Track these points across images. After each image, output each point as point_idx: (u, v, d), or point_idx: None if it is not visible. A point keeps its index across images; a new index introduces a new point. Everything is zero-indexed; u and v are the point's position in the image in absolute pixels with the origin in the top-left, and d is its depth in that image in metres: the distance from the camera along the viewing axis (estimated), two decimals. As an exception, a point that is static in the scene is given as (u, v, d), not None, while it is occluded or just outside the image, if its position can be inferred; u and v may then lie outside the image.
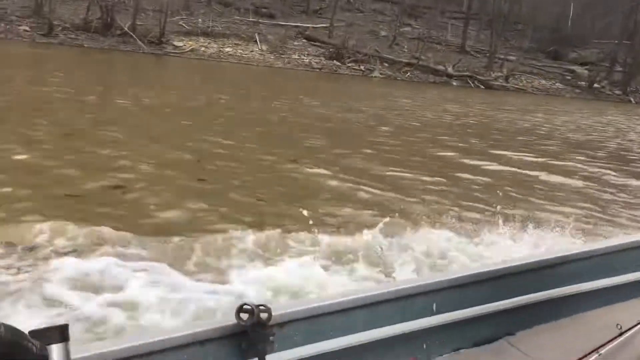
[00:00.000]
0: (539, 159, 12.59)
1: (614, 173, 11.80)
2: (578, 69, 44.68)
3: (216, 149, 9.89)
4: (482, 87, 38.58)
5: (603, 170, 11.96)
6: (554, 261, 2.74)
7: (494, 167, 11.09)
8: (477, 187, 9.11)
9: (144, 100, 14.77)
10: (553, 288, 2.71)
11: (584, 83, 43.65)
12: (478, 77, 39.58)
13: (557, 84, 43.22)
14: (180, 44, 33.16)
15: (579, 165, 12.27)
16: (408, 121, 16.80)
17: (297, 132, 12.88)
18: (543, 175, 10.55)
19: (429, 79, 38.32)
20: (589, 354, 2.19)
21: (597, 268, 2.89)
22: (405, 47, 42.19)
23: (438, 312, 2.41)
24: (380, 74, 37.08)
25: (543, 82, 43.03)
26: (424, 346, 2.38)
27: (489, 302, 2.53)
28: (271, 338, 1.95)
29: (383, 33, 43.18)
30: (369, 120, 16.03)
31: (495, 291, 2.56)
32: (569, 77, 44.10)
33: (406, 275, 4.53)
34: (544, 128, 19.38)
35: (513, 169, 11.11)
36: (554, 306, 2.71)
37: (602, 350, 2.23)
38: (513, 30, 47.66)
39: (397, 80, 36.27)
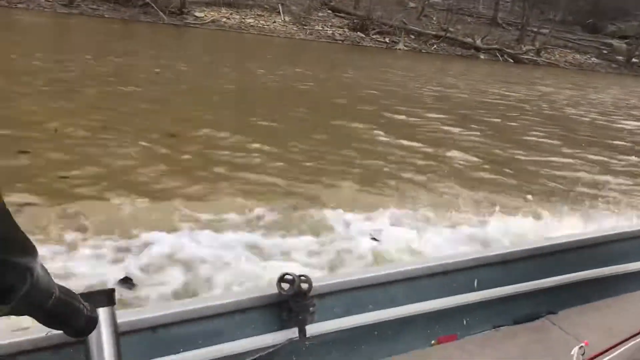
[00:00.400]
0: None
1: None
2: (616, 42, 43.34)
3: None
4: (512, 60, 37.70)
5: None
6: (600, 240, 2.73)
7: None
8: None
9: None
10: (598, 267, 2.70)
11: (621, 58, 42.49)
12: (507, 50, 38.63)
13: (592, 59, 42.19)
14: (201, 14, 33.07)
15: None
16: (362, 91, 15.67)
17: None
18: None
19: (455, 52, 37.53)
20: (635, 335, 2.18)
21: None
22: (434, 18, 41.29)
23: (479, 288, 2.42)
24: (405, 46, 36.42)
25: (577, 56, 41.98)
26: (464, 322, 2.40)
27: (531, 280, 2.53)
28: (311, 309, 2.01)
29: (412, 4, 42.35)
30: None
31: (538, 269, 2.56)
32: (605, 52, 43.00)
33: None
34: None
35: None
36: (599, 285, 2.70)
37: None
38: (548, 1, 46.32)
39: (422, 53, 35.51)
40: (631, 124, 15.53)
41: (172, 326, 1.83)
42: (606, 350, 2.02)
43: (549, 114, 15.54)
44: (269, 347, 1.97)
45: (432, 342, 2.31)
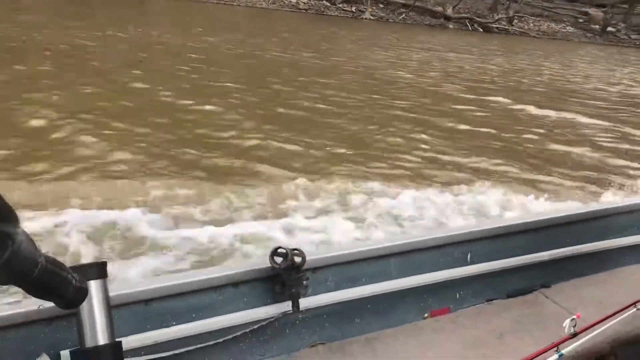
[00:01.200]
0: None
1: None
2: (592, 11, 43.93)
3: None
4: (481, 30, 37.92)
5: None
6: (594, 214, 2.83)
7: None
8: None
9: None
10: (591, 241, 2.80)
11: (597, 27, 43.28)
12: (478, 19, 38.83)
13: (567, 28, 42.82)
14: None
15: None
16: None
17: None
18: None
19: (424, 22, 37.69)
20: (627, 307, 2.28)
21: (638, 223, 2.97)
22: (405, -15, 41.44)
23: (472, 262, 2.50)
24: (372, 15, 36.39)
25: (552, 25, 42.54)
26: (457, 296, 2.48)
27: (524, 254, 2.62)
28: (304, 282, 2.06)
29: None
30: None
31: (531, 243, 2.65)
32: (581, 20, 43.66)
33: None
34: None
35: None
36: (592, 260, 2.80)
37: None
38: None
39: (388, 23, 35.56)
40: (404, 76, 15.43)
41: (165, 299, 1.86)
42: (597, 323, 2.10)
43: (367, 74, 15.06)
44: (262, 320, 2.02)
45: (425, 315, 2.37)
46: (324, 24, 29.88)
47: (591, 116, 11.84)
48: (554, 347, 1.89)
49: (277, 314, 2.04)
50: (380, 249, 2.28)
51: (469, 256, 2.49)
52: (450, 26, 37.86)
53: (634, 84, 19.51)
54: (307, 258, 2.04)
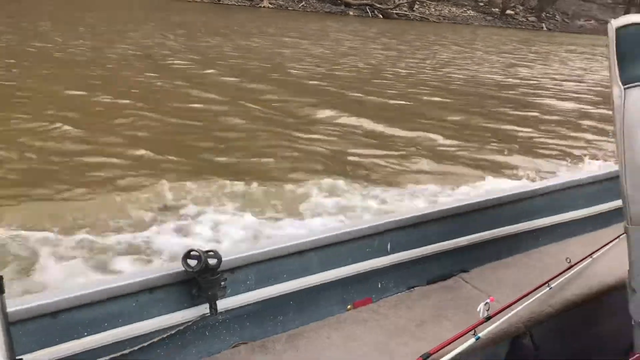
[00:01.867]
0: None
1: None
2: (493, -6, 46.35)
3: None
4: (381, 16, 38.97)
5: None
6: (508, 199, 3.00)
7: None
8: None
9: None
10: (506, 225, 2.98)
11: (497, 10, 45.35)
12: (378, 6, 39.84)
13: (468, 11, 44.60)
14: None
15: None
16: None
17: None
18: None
19: (324, 9, 38.27)
20: (540, 287, 2.45)
21: (550, 205, 3.19)
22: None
23: (392, 251, 2.59)
24: (270, 4, 36.55)
25: (454, 9, 44.23)
26: (379, 285, 2.56)
27: (442, 241, 2.75)
28: (222, 283, 2.06)
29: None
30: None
31: (449, 229, 2.79)
32: (482, 4, 45.58)
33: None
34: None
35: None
36: (507, 243, 2.98)
37: (553, 284, 2.50)
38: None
39: (288, 11, 36.03)
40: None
41: (74, 310, 1.82)
42: (510, 305, 2.25)
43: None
44: (179, 325, 2.01)
45: (348, 307, 2.44)
46: (210, 13, 29.81)
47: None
48: (470, 331, 2.00)
49: (194, 317, 2.04)
50: (299, 244, 2.32)
51: (388, 246, 2.58)
52: (351, 13, 38.57)
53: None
54: (225, 259, 2.05)
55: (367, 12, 39.05)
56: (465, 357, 1.97)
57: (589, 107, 13.97)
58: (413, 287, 2.62)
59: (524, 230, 3.05)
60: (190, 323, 2.04)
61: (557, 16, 48.19)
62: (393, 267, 2.59)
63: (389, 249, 2.58)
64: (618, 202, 3.19)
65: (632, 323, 1.89)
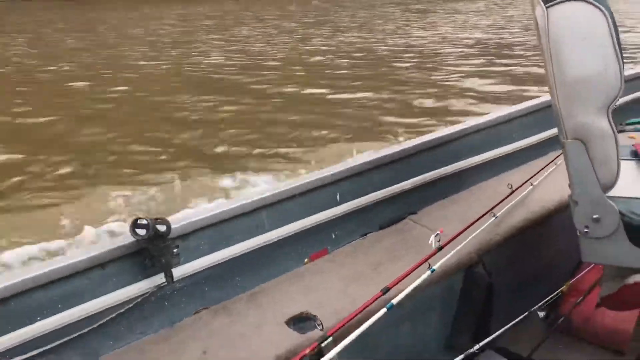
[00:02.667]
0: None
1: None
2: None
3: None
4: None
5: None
6: (449, 138, 3.05)
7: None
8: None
9: None
10: (450, 164, 3.04)
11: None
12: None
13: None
14: None
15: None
16: None
17: None
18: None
19: None
20: (484, 215, 2.52)
21: (489, 140, 3.26)
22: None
23: (342, 201, 2.61)
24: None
25: None
26: (333, 236, 2.58)
27: (390, 186, 2.78)
28: (175, 250, 2.04)
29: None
30: None
31: (396, 174, 2.82)
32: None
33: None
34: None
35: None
36: (452, 180, 3.04)
37: (498, 212, 2.58)
38: None
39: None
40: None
41: (24, 295, 1.77)
42: (459, 234, 2.31)
43: None
44: (136, 297, 1.98)
45: (305, 260, 2.45)
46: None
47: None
48: (424, 263, 2.04)
49: (151, 288, 2.01)
50: (249, 203, 2.31)
51: (338, 196, 2.59)
52: None
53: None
54: (174, 226, 2.03)
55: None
56: (423, 290, 2.01)
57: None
58: (366, 234, 2.66)
59: (467, 167, 3.12)
60: (147, 294, 2.01)
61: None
62: (345, 217, 2.61)
63: (338, 199, 2.60)
64: (552, 131, 3.32)
65: (578, 234, 1.95)
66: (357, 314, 1.78)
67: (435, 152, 2.98)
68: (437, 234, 2.13)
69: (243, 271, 2.28)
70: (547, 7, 1.75)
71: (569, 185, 1.94)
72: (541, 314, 2.76)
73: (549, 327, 2.70)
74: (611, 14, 1.72)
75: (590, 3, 1.71)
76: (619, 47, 1.73)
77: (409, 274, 1.97)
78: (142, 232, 1.94)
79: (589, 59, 1.74)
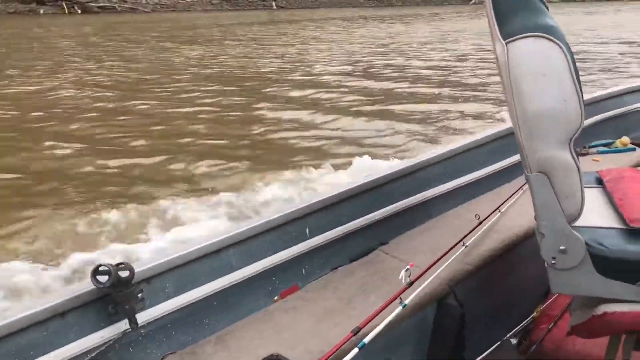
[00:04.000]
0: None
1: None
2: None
3: None
4: (79, 12, 35.76)
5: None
6: (415, 167, 3.05)
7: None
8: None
9: None
10: (417, 193, 3.03)
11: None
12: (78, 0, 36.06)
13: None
14: None
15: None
16: None
17: None
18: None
19: (8, 9, 34.17)
20: (454, 246, 2.50)
21: (455, 168, 3.27)
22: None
23: (312, 235, 2.57)
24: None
25: None
26: (303, 271, 2.53)
27: (360, 217, 2.75)
28: (140, 295, 1.97)
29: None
30: None
31: (365, 205, 2.79)
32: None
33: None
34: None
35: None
36: (421, 210, 3.03)
37: (467, 242, 2.57)
38: None
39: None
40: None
41: None
42: (429, 267, 2.28)
43: None
44: (100, 346, 1.89)
45: (275, 297, 2.39)
46: None
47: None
48: (395, 300, 2.00)
49: (115, 336, 1.93)
50: (215, 243, 2.25)
51: (307, 230, 2.55)
52: (42, 11, 35.16)
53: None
54: (138, 269, 1.96)
55: (64, 7, 35.67)
56: (395, 326, 1.98)
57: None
58: (337, 267, 2.62)
59: (434, 196, 3.11)
60: (111, 342, 1.92)
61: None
62: (315, 251, 2.57)
63: (308, 234, 2.55)
64: (516, 157, 3.33)
65: (546, 266, 1.94)
66: (328, 356, 1.73)
67: (403, 182, 2.97)
68: (407, 269, 2.10)
69: (211, 313, 2.21)
70: (506, 43, 1.75)
71: (535, 217, 1.93)
72: (514, 341, 2.74)
73: (521, 355, 2.68)
74: (569, 48, 1.72)
75: (548, 39, 1.71)
76: (578, 80, 1.74)
77: (380, 311, 1.93)
78: (103, 278, 1.87)
79: (548, 94, 1.73)
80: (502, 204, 2.91)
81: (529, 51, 1.73)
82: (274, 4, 44.02)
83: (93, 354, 1.88)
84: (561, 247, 1.86)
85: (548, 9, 1.84)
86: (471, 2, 49.90)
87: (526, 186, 2.78)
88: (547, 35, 1.71)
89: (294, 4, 43.54)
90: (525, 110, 1.76)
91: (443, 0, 49.52)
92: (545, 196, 1.83)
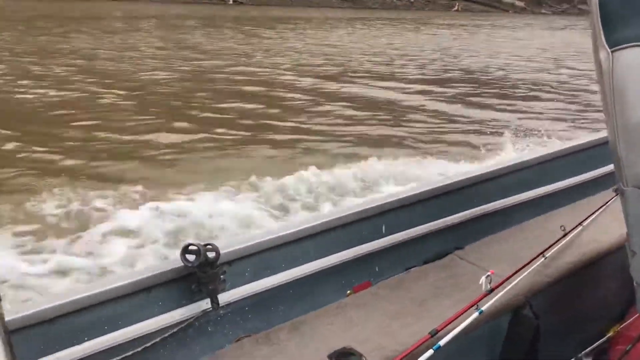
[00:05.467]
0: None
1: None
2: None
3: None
4: None
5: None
6: (498, 173, 2.98)
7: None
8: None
9: None
10: (498, 199, 2.96)
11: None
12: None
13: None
14: None
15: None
16: None
17: None
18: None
19: None
20: (536, 258, 2.42)
21: (538, 176, 3.17)
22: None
23: (387, 233, 2.55)
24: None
25: None
26: (376, 268, 2.52)
27: (436, 219, 2.71)
28: (222, 277, 2.02)
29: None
30: None
31: (442, 208, 2.74)
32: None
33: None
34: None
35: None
36: (501, 217, 2.95)
37: (548, 253, 2.48)
38: None
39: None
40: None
41: (71, 315, 1.76)
42: (510, 277, 2.22)
43: None
44: (181, 322, 1.96)
45: (348, 292, 2.39)
46: None
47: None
48: (473, 305, 1.97)
49: (196, 314, 1.98)
50: (295, 232, 2.27)
51: (383, 228, 2.54)
52: None
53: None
54: (222, 251, 2.00)
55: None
56: (470, 331, 1.94)
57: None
58: (410, 268, 2.59)
59: (515, 203, 3.03)
60: (192, 319, 1.98)
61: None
62: (389, 249, 2.55)
63: (384, 231, 2.54)
64: (604, 169, 3.22)
65: (635, 284, 1.85)
66: (404, 356, 1.72)
67: (483, 187, 2.91)
68: (488, 275, 2.06)
69: (286, 300, 2.24)
70: (612, 51, 1.68)
71: (627, 234, 1.86)
72: None
73: None
74: None
75: None
76: None
77: (458, 316, 1.91)
78: (191, 257, 1.92)
79: None
80: (586, 219, 2.81)
81: (636, 60, 1.66)
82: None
83: (174, 329, 1.94)
84: None
85: None
86: (453, 9, 48.22)
87: (613, 201, 2.68)
88: None
89: (256, 1, 41.66)
90: (627, 121, 1.69)
91: (424, 5, 48.14)
92: None
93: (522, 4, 55.88)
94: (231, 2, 41.37)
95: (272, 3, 41.11)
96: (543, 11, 55.34)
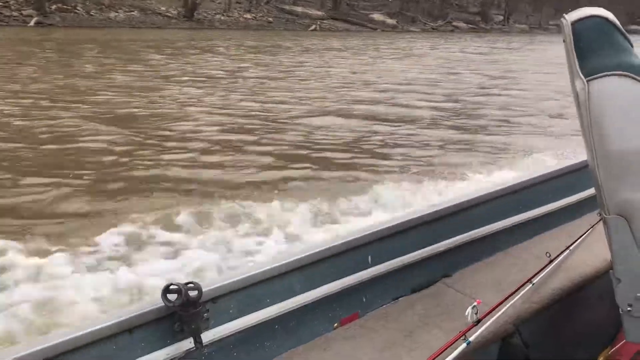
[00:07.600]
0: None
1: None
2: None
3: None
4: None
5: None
6: (482, 199, 2.94)
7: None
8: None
9: None
10: (484, 225, 2.92)
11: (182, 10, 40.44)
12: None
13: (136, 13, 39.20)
14: None
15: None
16: None
17: None
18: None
19: None
20: (523, 285, 2.39)
21: (523, 202, 3.14)
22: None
23: (374, 263, 2.51)
24: None
25: (135, 13, 38.89)
26: (364, 299, 2.47)
27: (423, 248, 2.67)
28: (205, 315, 1.96)
29: None
30: None
31: (428, 236, 2.71)
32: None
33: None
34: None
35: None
36: (487, 243, 2.92)
37: (535, 280, 2.45)
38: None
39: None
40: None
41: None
42: (497, 305, 2.19)
43: None
44: None
45: (335, 324, 2.35)
46: None
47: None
48: (461, 337, 1.94)
49: (179, 354, 1.92)
50: (280, 266, 2.23)
51: (369, 258, 2.50)
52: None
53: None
54: (205, 289, 1.95)
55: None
56: None
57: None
58: (398, 298, 2.55)
59: (501, 229, 2.99)
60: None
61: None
62: (376, 280, 2.51)
63: (370, 261, 2.50)
64: (586, 193, 3.20)
65: (620, 312, 1.83)
66: None
67: (468, 214, 2.87)
68: (474, 306, 2.02)
69: (272, 335, 2.19)
70: (587, 81, 1.68)
71: (612, 261, 1.83)
72: None
73: None
74: None
75: (633, 78, 1.63)
76: None
77: (446, 349, 1.87)
78: (173, 297, 1.88)
79: (632, 134, 1.65)
80: (572, 243, 2.79)
81: (613, 90, 1.66)
82: (33, 19, 34.75)
83: None
84: (638, 294, 1.76)
85: (632, 47, 1.77)
86: (310, 29, 46.88)
87: (598, 225, 2.66)
88: (632, 75, 1.63)
89: (73, 21, 35.35)
90: (606, 150, 1.68)
91: (279, 25, 46.82)
92: (624, 240, 1.73)
93: (393, 21, 52.58)
94: (32, 23, 34.54)
95: (85, 25, 34.64)
96: (411, 29, 52.67)
